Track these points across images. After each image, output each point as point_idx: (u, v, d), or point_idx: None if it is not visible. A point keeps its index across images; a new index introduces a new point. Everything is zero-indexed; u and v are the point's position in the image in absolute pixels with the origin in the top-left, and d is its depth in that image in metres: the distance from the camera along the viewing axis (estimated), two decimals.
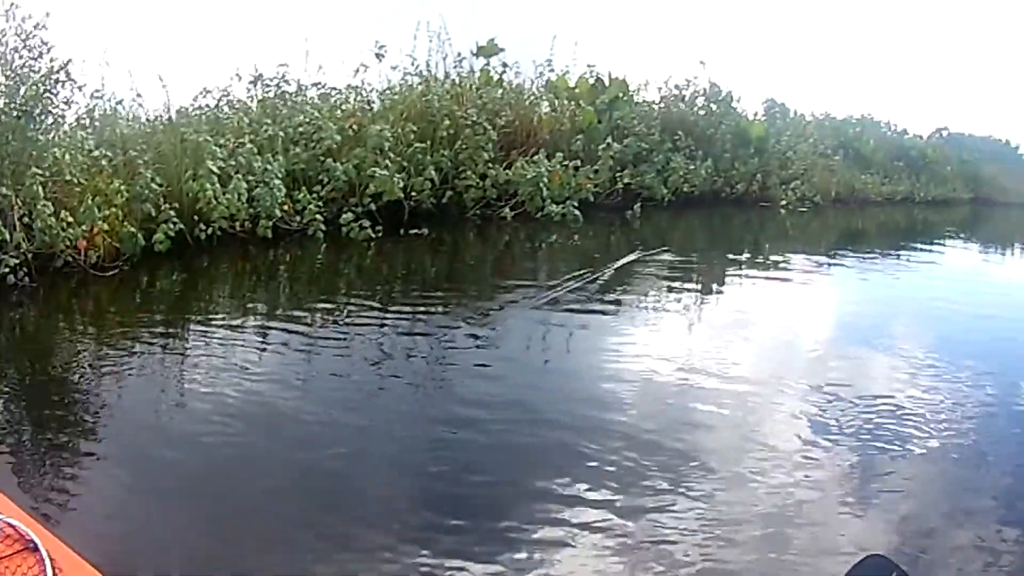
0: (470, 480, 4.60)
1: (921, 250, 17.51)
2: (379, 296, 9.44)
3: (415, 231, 12.66)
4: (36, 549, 2.84)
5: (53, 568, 2.76)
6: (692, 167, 19.54)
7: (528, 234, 14.13)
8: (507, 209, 14.40)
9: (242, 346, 7.09)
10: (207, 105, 13.97)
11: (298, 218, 12.01)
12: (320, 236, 11.88)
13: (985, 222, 31.59)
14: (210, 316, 8.31)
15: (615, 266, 11.07)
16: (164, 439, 5.06)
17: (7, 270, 8.29)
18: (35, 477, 4.49)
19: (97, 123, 11.77)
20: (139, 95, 12.51)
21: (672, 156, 19.11)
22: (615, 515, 4.10)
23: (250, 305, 8.99)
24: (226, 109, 14.12)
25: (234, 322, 8.01)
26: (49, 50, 9.19)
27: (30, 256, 8.60)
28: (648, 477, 4.55)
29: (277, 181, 11.60)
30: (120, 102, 12.46)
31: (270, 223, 11.38)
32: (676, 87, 21.88)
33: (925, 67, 58.97)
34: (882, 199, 28.52)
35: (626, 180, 17.01)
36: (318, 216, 11.98)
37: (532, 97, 17.62)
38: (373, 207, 12.77)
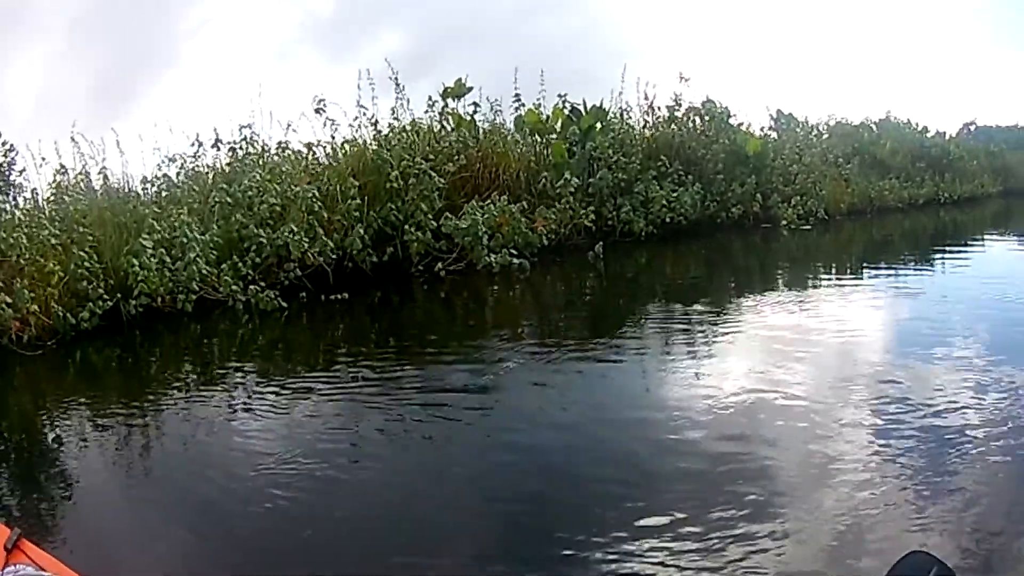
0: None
1: (955, 254, 15.91)
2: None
3: (335, 296, 11.20)
4: None
5: None
6: (675, 194, 17.47)
7: (456, 292, 12.59)
8: (439, 264, 12.83)
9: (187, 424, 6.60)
10: (165, 175, 13.04)
11: (222, 289, 10.77)
12: (240, 308, 10.72)
13: (1019, 213, 29.31)
14: (137, 391, 7.83)
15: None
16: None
17: None
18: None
19: (66, 198, 11.33)
20: (104, 167, 12.02)
21: (653, 184, 17.15)
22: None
23: (189, 378, 8.38)
24: (183, 177, 13.24)
25: (171, 397, 7.50)
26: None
27: None
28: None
29: (193, 255, 10.48)
30: (87, 175, 11.96)
31: (193, 297, 10.34)
32: (667, 107, 19.94)
33: (951, 60, 55.64)
34: (903, 205, 26.13)
35: (591, 217, 15.13)
36: (234, 287, 10.75)
37: (499, 136, 16.07)
38: (299, 272, 11.56)
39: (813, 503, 4.36)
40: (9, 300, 8.62)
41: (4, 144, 9.54)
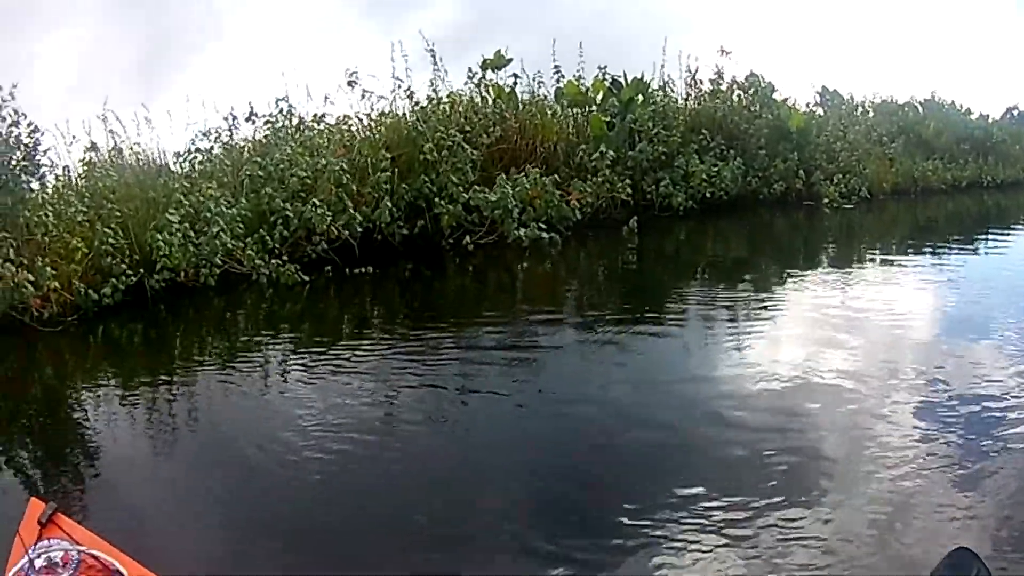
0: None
1: (999, 238, 14.97)
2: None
3: (361, 270, 10.51)
4: None
5: None
6: (716, 169, 16.33)
7: (487, 265, 11.80)
8: (467, 236, 11.93)
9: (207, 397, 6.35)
10: (198, 149, 12.23)
11: (246, 263, 10.07)
12: (264, 282, 10.05)
13: None
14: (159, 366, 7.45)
15: None
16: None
17: None
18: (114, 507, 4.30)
19: (96, 175, 10.82)
20: (136, 143, 11.45)
21: (693, 158, 16.05)
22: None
23: (214, 351, 8.11)
24: (217, 151, 12.48)
25: (196, 370, 7.20)
26: (25, 117, 9.00)
27: None
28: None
29: (217, 229, 9.79)
30: (119, 151, 11.38)
31: (216, 271, 9.70)
32: (710, 81, 18.65)
33: (997, 44, 53.01)
34: (947, 186, 24.59)
35: (627, 191, 14.15)
36: (258, 262, 10.06)
37: (537, 107, 15.10)
38: (325, 246, 10.78)
39: (856, 487, 4.14)
40: (31, 278, 8.23)
41: (29, 125, 9.04)
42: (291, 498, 4.42)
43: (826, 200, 18.44)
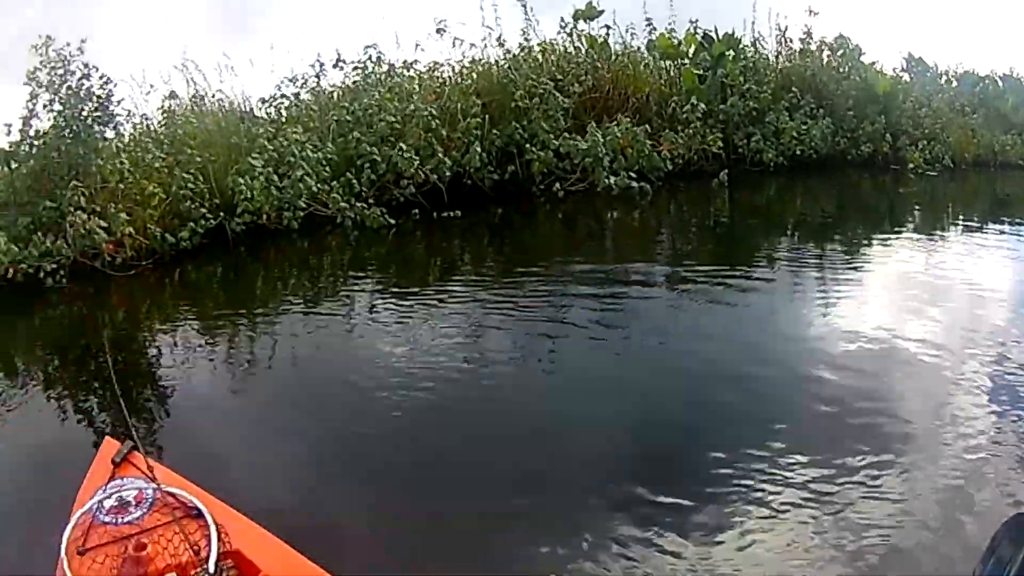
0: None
1: None
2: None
3: (448, 214, 10.18)
4: (200, 515, 2.72)
5: (218, 530, 2.63)
6: (806, 127, 15.50)
7: (578, 212, 11.41)
8: (558, 183, 11.49)
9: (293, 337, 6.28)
10: (283, 95, 11.85)
11: (331, 206, 9.73)
12: (349, 224, 9.72)
13: None
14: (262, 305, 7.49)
15: None
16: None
17: (46, 273, 7.78)
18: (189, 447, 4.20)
19: (178, 121, 10.68)
20: (219, 90, 11.14)
21: (783, 115, 15.26)
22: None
23: (296, 293, 8.05)
24: (305, 96, 12.03)
25: (276, 311, 7.17)
26: (97, 70, 8.98)
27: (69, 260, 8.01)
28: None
29: (300, 172, 9.52)
30: (203, 97, 11.07)
31: (300, 214, 9.49)
32: (800, 39, 17.70)
33: None
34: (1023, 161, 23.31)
35: (719, 144, 13.56)
36: (343, 204, 9.71)
37: (629, 59, 14.48)
38: (413, 190, 10.43)
39: (929, 451, 4.17)
40: (104, 224, 8.21)
41: (102, 77, 9.06)
42: (374, 436, 4.36)
43: (911, 165, 17.40)
